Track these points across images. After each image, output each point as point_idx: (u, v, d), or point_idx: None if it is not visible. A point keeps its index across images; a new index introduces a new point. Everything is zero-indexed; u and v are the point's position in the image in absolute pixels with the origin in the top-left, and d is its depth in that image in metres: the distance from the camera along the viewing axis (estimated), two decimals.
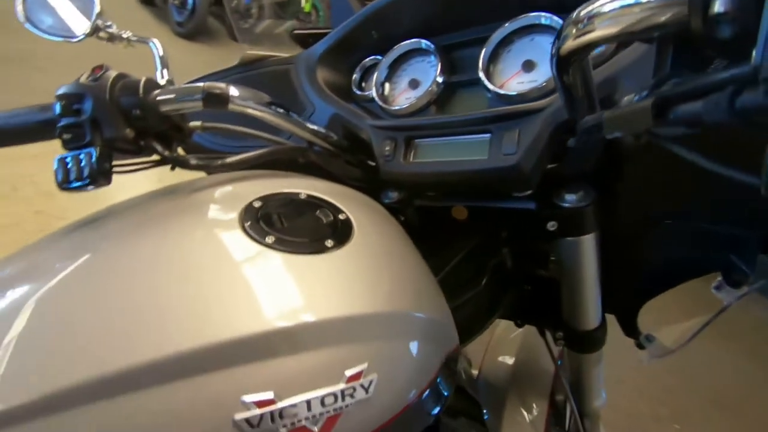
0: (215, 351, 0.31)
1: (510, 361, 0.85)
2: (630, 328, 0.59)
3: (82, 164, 0.41)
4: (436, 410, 0.44)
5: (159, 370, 0.30)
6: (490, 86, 0.52)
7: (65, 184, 0.41)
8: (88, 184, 0.41)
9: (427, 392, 0.41)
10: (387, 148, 0.55)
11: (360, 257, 0.41)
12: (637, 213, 0.50)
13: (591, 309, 0.57)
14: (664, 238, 0.50)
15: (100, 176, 0.41)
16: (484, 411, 0.78)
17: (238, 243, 0.38)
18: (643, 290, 0.57)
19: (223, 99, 0.44)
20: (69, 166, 0.41)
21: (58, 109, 0.42)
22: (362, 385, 0.36)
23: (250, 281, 0.36)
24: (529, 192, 0.50)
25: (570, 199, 0.49)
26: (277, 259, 0.37)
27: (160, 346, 0.31)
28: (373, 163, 0.57)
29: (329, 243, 0.40)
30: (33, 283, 0.35)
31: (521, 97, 0.50)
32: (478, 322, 0.60)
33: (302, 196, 0.45)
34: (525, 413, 0.77)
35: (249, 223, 0.39)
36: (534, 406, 0.78)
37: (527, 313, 0.66)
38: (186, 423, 0.31)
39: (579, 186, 0.49)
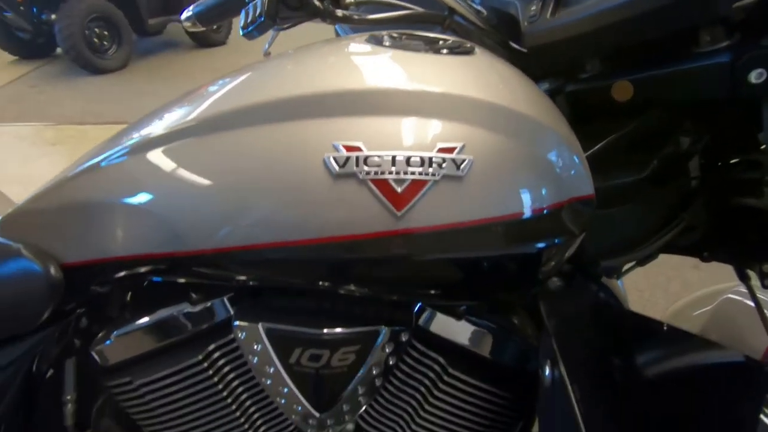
0: (318, 100, 0.39)
1: None
2: None
3: (257, 11, 0.52)
4: (543, 245, 0.42)
5: (272, 110, 0.40)
6: None
7: (245, 28, 0.54)
8: (260, 22, 0.52)
9: (538, 215, 0.39)
10: (533, 8, 0.50)
11: (476, 66, 0.43)
12: None
13: None
14: None
15: (268, 17, 0.51)
16: None
17: (357, 45, 0.46)
18: None
19: None
20: (248, 12, 0.53)
21: None
22: (454, 161, 0.37)
23: (361, 61, 0.44)
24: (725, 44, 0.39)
25: None
26: (387, 52, 0.44)
27: (278, 90, 0.41)
28: (516, 46, 0.52)
29: (444, 51, 0.44)
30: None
31: None
32: (639, 227, 0.55)
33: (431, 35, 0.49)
34: None
35: (372, 39, 0.47)
36: None
37: (722, 243, 0.55)
38: (288, 154, 0.39)
39: None
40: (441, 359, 0.49)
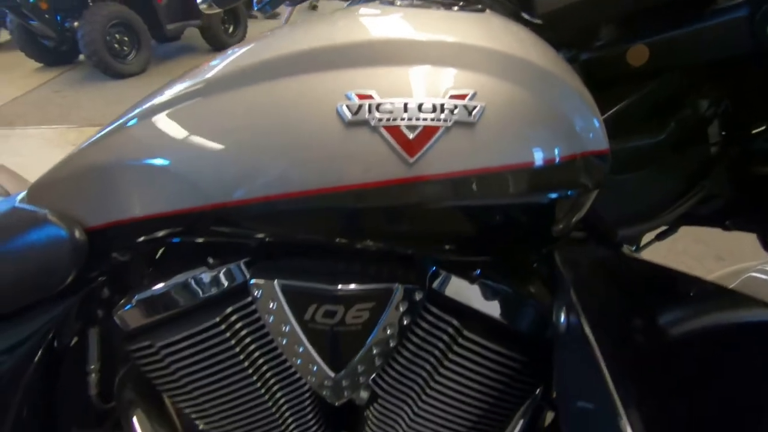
0: (330, 52, 0.41)
1: None
2: None
3: None
4: (555, 195, 0.42)
5: (284, 64, 0.41)
6: None
7: (259, 3, 0.60)
8: None
9: (550, 166, 0.40)
10: None
11: (488, 21, 0.44)
12: None
13: None
14: None
15: None
16: None
17: (369, 8, 0.47)
18: None
19: None
20: None
21: None
22: (465, 107, 0.38)
23: (372, 17, 0.45)
24: None
25: None
26: (399, 11, 0.45)
27: (290, 45, 0.42)
28: (528, 16, 0.51)
29: (456, 8, 0.45)
30: None
31: None
32: (658, 194, 0.54)
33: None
34: None
35: (385, 1, 0.48)
36: None
37: (744, 210, 0.54)
38: (301, 106, 0.40)
39: None
40: (455, 322, 0.49)
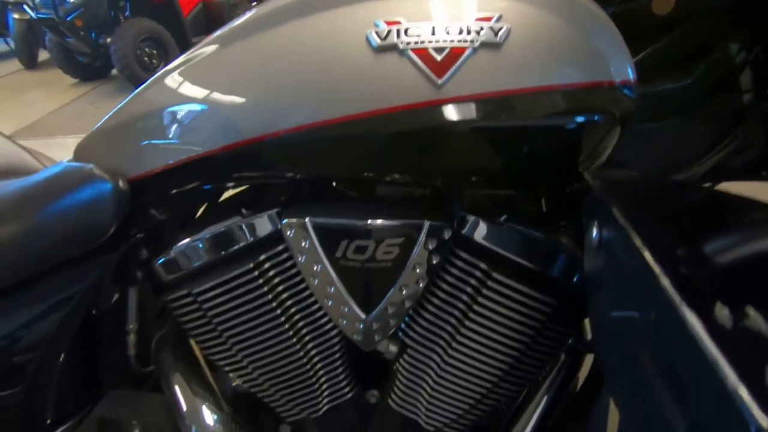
0: None
1: None
2: None
3: None
4: (582, 119, 0.42)
5: (319, 1, 0.42)
6: None
7: None
8: None
9: (576, 90, 0.40)
10: None
11: None
12: None
13: None
14: None
15: None
16: None
17: None
18: None
19: None
20: None
21: None
22: (491, 28, 0.39)
23: None
24: None
25: None
26: None
27: None
28: None
29: None
30: None
31: None
32: (689, 144, 0.53)
33: None
34: None
35: None
36: None
37: None
38: (332, 37, 0.42)
39: None
40: (483, 265, 0.49)
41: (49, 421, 0.62)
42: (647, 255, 0.29)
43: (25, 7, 4.40)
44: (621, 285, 0.33)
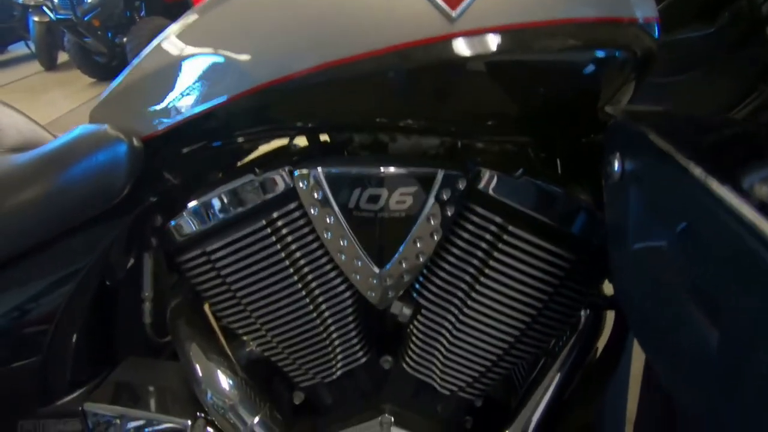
0: None
1: None
2: None
3: None
4: (601, 53, 0.40)
5: None
6: None
7: None
8: None
9: (596, 24, 0.38)
10: None
11: None
12: None
13: None
14: None
15: None
16: None
17: None
18: None
19: None
20: None
21: None
22: None
23: None
24: None
25: None
26: None
27: None
28: None
29: None
30: None
31: None
32: (712, 99, 0.52)
33: None
34: None
35: None
36: None
37: None
38: None
39: None
40: (498, 219, 0.48)
41: (64, 386, 0.63)
42: (692, 167, 0.27)
43: (45, 8, 4.51)
44: (646, 213, 0.32)
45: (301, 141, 0.58)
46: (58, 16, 4.35)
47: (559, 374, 0.60)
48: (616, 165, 0.35)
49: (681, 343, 0.28)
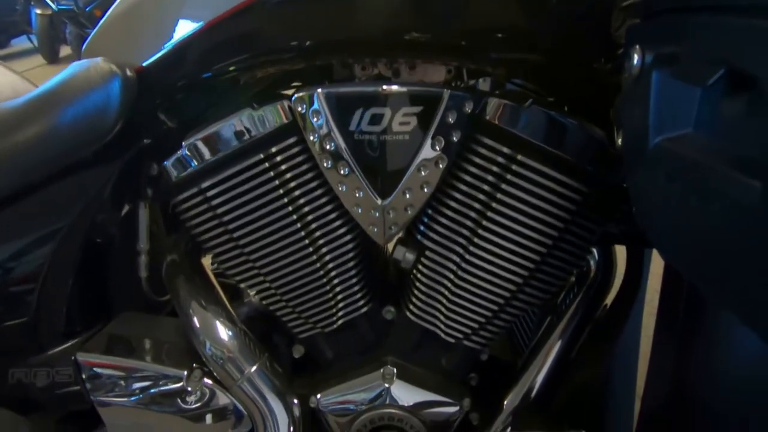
0: None
1: None
2: None
3: None
4: None
5: None
6: None
7: None
8: None
9: None
10: None
11: None
12: None
13: None
14: None
15: None
16: None
17: None
18: None
19: None
20: None
21: None
22: None
23: None
24: None
25: None
26: None
27: None
28: None
29: None
30: None
31: None
32: None
33: None
34: None
35: None
36: None
37: None
38: None
39: None
40: (506, 149, 0.46)
41: (57, 337, 0.61)
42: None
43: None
44: (669, 96, 0.29)
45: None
46: (60, 7, 4.35)
47: (565, 333, 0.58)
48: (636, 59, 0.33)
49: (711, 229, 0.25)
